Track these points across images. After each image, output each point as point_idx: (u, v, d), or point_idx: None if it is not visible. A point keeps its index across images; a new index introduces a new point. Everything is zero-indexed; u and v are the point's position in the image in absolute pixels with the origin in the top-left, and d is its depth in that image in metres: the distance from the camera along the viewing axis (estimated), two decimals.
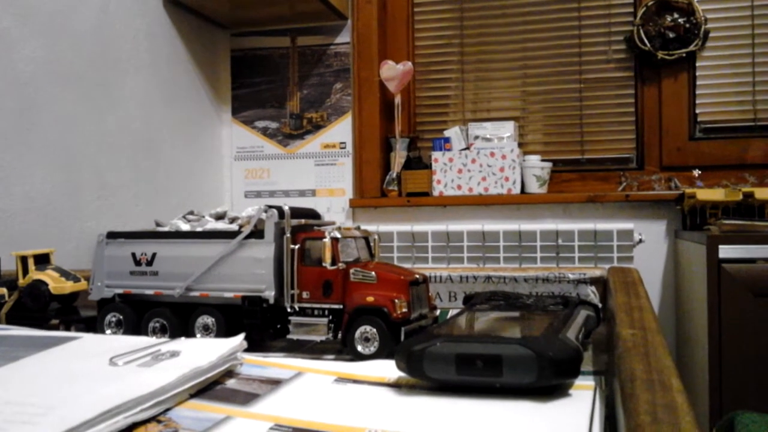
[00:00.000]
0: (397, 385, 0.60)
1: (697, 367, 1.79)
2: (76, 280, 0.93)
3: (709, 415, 1.63)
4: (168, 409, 0.53)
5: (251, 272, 0.78)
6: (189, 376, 0.56)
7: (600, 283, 1.00)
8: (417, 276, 0.77)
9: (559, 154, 2.40)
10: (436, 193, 2.32)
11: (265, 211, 0.78)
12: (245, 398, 0.56)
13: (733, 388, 1.62)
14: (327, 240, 0.75)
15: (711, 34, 2.23)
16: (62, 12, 1.76)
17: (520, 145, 2.35)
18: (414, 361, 0.56)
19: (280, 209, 0.78)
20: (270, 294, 0.77)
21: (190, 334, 0.80)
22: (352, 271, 0.75)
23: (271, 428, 0.50)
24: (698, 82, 2.27)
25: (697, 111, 2.28)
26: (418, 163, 2.41)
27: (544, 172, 2.27)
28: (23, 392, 0.53)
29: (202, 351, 0.62)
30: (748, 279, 1.63)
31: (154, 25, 2.15)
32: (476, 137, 2.31)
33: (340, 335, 0.75)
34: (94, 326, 0.87)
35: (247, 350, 0.66)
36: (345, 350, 0.74)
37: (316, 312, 0.76)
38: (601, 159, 2.37)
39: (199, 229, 0.86)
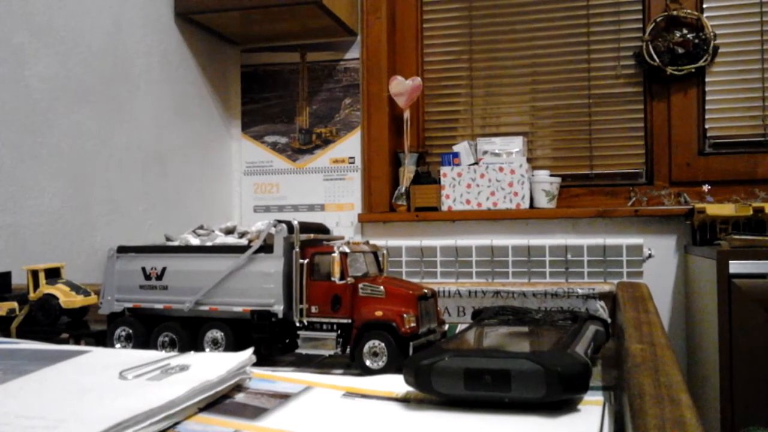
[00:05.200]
0: (405, 400, 0.60)
1: (708, 383, 1.78)
2: (87, 294, 0.93)
3: (720, 431, 1.61)
4: (177, 423, 0.53)
5: (260, 287, 0.79)
6: (198, 390, 0.57)
7: (609, 298, 1.00)
8: (425, 291, 0.77)
9: (568, 169, 2.39)
10: (444, 207, 2.33)
11: (275, 226, 0.79)
12: (254, 412, 0.57)
13: (744, 403, 1.61)
14: (336, 254, 0.75)
15: (720, 50, 2.23)
16: (75, 28, 1.78)
17: (528, 160, 2.35)
18: (422, 376, 0.56)
19: (289, 224, 0.78)
20: (279, 308, 0.77)
21: (199, 348, 0.80)
22: (360, 285, 0.75)
23: None
24: (707, 98, 2.27)
25: (707, 126, 2.27)
26: (426, 177, 2.41)
27: (553, 187, 2.27)
28: (33, 406, 0.54)
29: (211, 365, 0.62)
30: (759, 294, 1.62)
31: (166, 42, 2.17)
32: (485, 152, 2.32)
33: (348, 350, 0.75)
34: (103, 340, 0.87)
35: (255, 364, 0.66)
36: (353, 365, 0.74)
37: (324, 326, 0.76)
38: (610, 174, 2.37)
39: (208, 244, 0.86)
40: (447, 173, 2.32)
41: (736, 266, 1.64)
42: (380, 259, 0.84)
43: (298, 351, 0.77)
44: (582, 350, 0.61)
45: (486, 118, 2.49)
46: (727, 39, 2.24)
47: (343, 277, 0.75)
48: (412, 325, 0.72)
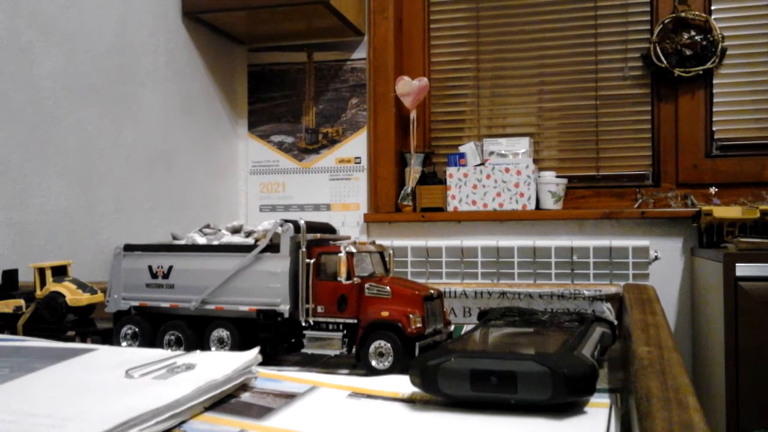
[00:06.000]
0: (411, 401, 0.60)
1: (714, 385, 1.77)
2: (93, 292, 0.93)
3: None
4: (183, 422, 0.53)
5: (266, 286, 0.78)
6: (204, 389, 0.56)
7: (615, 300, 1.00)
8: (432, 291, 0.77)
9: (575, 171, 2.39)
10: (450, 208, 2.32)
11: (281, 225, 0.79)
12: (259, 412, 0.57)
13: (750, 406, 1.60)
14: (342, 254, 0.75)
15: (728, 52, 2.22)
16: (82, 27, 1.78)
17: (535, 161, 2.35)
18: (428, 377, 0.56)
19: (295, 223, 0.78)
20: (285, 308, 0.77)
21: (205, 347, 0.80)
22: (366, 285, 0.75)
23: None
24: (715, 100, 2.26)
25: (714, 128, 2.27)
26: (432, 178, 2.41)
27: (559, 189, 2.26)
28: (40, 404, 0.54)
29: (217, 364, 0.62)
30: (766, 297, 1.61)
31: (173, 41, 2.18)
32: (491, 153, 2.31)
33: (354, 350, 0.75)
34: (110, 338, 0.87)
35: (261, 364, 0.66)
36: (359, 365, 0.74)
37: (330, 326, 0.76)
38: (616, 176, 2.36)
39: (215, 243, 0.86)
40: (453, 174, 2.32)
41: (742, 269, 1.63)
42: (386, 259, 0.84)
43: (303, 351, 0.77)
44: (588, 352, 0.60)
45: (492, 119, 2.49)
46: (735, 41, 2.23)
47: (349, 277, 0.75)
48: (418, 325, 0.72)
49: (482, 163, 2.32)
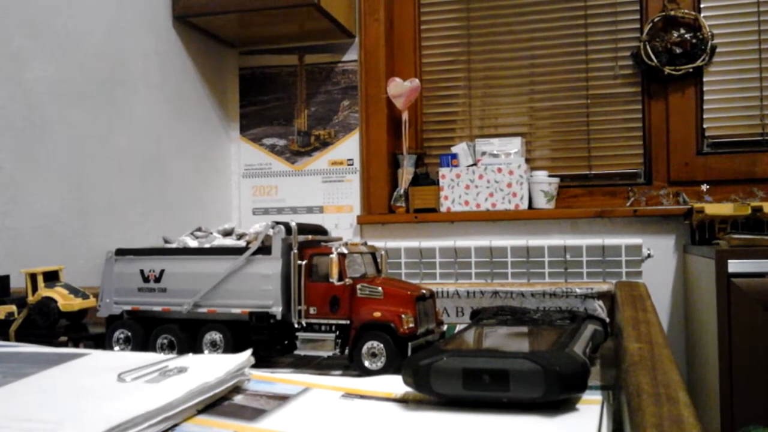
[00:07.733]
0: (404, 401, 0.60)
1: (708, 382, 1.78)
2: (85, 297, 0.93)
3: (720, 430, 1.61)
4: (176, 425, 0.53)
5: (258, 288, 0.79)
6: (196, 392, 0.57)
7: (607, 297, 1.00)
8: (424, 291, 0.77)
9: (567, 170, 2.40)
10: (443, 209, 2.33)
11: (273, 228, 0.79)
12: (252, 414, 0.57)
13: (744, 402, 1.61)
14: (334, 256, 0.75)
15: (718, 50, 2.23)
16: (73, 31, 1.78)
17: (527, 160, 2.36)
18: (421, 376, 0.57)
19: (287, 225, 0.79)
20: (277, 310, 0.77)
21: (197, 350, 0.80)
22: (358, 286, 0.75)
23: None
24: (705, 97, 2.27)
25: (705, 126, 2.27)
26: (425, 179, 2.41)
27: (551, 188, 2.27)
28: (32, 408, 0.54)
29: (209, 367, 0.62)
30: (758, 293, 1.62)
31: (164, 45, 2.17)
32: (483, 153, 2.32)
33: (347, 351, 0.75)
34: (102, 343, 0.87)
35: (254, 366, 0.66)
36: (352, 366, 0.74)
37: (323, 328, 0.76)
38: (608, 174, 2.37)
39: (206, 246, 0.86)
40: (446, 174, 2.32)
41: (734, 265, 1.64)
42: (378, 260, 0.84)
43: (296, 352, 0.77)
44: (580, 350, 0.61)
45: (484, 119, 2.49)
46: (725, 39, 2.24)
47: (341, 278, 0.75)
48: (411, 325, 0.72)
49: (474, 164, 2.32)
